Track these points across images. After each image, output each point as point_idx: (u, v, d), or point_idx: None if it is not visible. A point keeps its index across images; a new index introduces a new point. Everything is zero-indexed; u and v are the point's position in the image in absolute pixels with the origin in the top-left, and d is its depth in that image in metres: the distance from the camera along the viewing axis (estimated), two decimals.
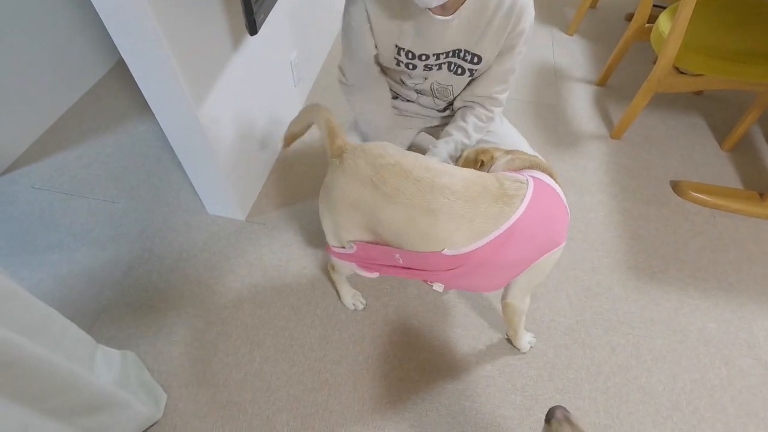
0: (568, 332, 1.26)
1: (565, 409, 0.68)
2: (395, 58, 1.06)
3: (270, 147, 1.62)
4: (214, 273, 1.37)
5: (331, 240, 1.02)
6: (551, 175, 0.94)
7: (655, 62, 1.57)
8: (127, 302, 1.30)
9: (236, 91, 1.27)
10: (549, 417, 0.68)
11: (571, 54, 2.20)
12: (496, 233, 0.82)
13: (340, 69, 1.17)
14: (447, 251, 0.83)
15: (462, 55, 1.04)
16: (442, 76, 1.11)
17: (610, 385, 1.17)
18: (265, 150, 1.58)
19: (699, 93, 1.97)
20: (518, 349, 1.21)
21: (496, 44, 1.01)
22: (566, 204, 0.92)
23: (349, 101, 1.22)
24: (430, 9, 0.91)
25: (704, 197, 1.56)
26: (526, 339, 1.20)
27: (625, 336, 1.26)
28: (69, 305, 1.28)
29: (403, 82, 1.18)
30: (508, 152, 1.01)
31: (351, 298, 1.28)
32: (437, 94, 1.19)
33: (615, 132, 1.78)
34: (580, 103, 1.95)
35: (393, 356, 1.20)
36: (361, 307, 1.29)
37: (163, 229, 1.46)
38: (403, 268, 0.93)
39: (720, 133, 1.82)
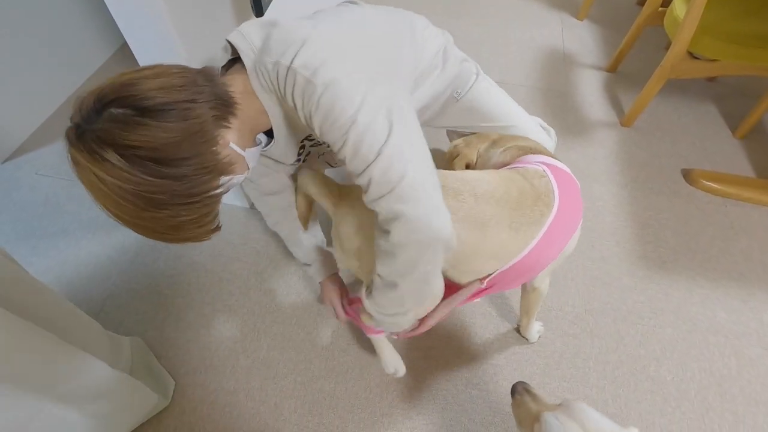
0: (576, 321, 1.25)
1: (525, 383, 0.75)
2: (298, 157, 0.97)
3: None
4: (220, 260, 1.36)
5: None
6: (544, 153, 0.92)
7: (667, 48, 1.53)
8: (134, 289, 1.30)
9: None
10: (513, 392, 0.76)
11: (580, 39, 2.15)
12: (540, 235, 0.80)
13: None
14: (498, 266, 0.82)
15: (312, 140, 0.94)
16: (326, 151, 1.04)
17: (618, 374, 1.17)
18: None
19: (712, 79, 1.93)
20: (527, 339, 1.21)
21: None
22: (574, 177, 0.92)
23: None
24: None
25: (716, 186, 1.54)
26: (535, 328, 1.19)
27: (633, 325, 1.25)
28: (76, 291, 1.28)
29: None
30: (495, 142, 0.96)
31: (393, 360, 1.10)
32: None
33: (626, 120, 1.75)
34: (590, 90, 1.91)
35: (400, 345, 1.20)
36: (401, 374, 1.09)
37: None
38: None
39: (733, 121, 1.78)
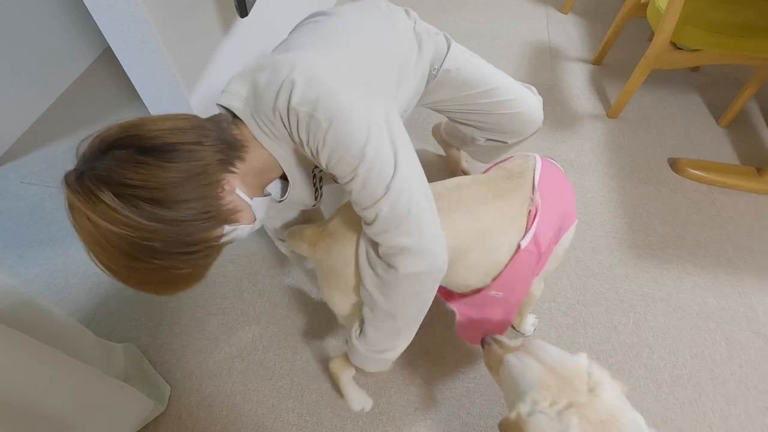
0: (569, 312, 1.27)
1: (492, 335, 0.83)
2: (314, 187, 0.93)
3: None
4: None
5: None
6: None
7: (651, 39, 1.55)
8: (125, 295, 1.29)
9: (224, 77, 1.24)
10: (482, 343, 0.84)
11: (566, 33, 2.17)
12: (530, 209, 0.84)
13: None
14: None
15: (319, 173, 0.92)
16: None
17: (612, 362, 1.18)
18: None
19: (696, 69, 1.96)
20: (522, 333, 1.22)
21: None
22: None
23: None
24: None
25: (702, 174, 1.56)
26: (530, 322, 1.20)
27: (626, 314, 1.27)
28: (66, 300, 1.26)
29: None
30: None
31: (359, 397, 1.04)
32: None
33: (612, 111, 1.76)
34: (576, 83, 1.93)
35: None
36: (368, 408, 1.03)
37: None
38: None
39: (717, 110, 1.81)
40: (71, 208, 0.55)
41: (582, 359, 0.67)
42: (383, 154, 0.66)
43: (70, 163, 0.58)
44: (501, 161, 0.96)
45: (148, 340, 1.20)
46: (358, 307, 0.82)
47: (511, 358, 0.71)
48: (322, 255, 0.82)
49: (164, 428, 1.07)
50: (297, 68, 0.66)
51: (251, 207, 0.70)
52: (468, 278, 0.88)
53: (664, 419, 1.10)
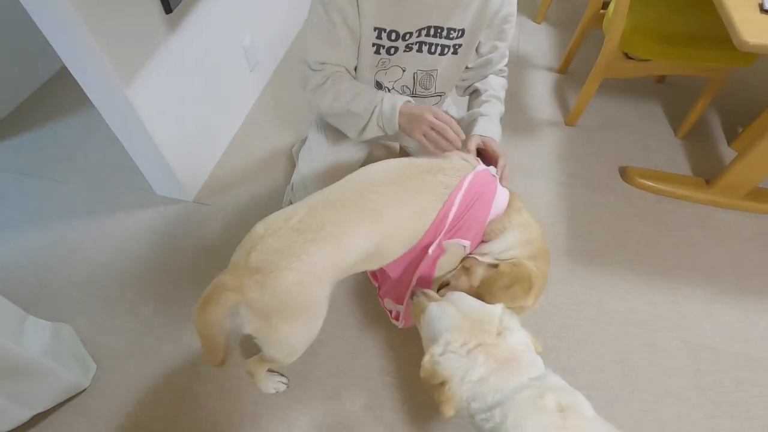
0: None
1: (419, 288, 0.90)
2: (375, 44, 0.96)
3: (222, 127, 1.65)
4: (157, 252, 1.40)
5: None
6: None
7: None
8: (71, 278, 1.34)
9: (175, 72, 1.30)
10: (411, 295, 0.91)
11: (536, 42, 2.19)
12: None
13: (308, 64, 0.98)
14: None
15: (443, 32, 0.96)
16: (423, 60, 1.01)
17: None
18: (215, 131, 1.61)
19: (661, 80, 1.96)
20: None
21: (480, 19, 0.96)
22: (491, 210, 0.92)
23: (320, 104, 1.01)
24: None
25: (650, 183, 1.56)
26: None
27: (551, 317, 1.27)
28: (12, 279, 1.32)
29: (379, 85, 1.08)
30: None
31: (272, 382, 1.12)
32: (420, 85, 1.09)
33: (569, 119, 1.78)
34: (539, 90, 1.94)
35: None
36: (283, 388, 1.12)
37: (112, 208, 1.50)
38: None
39: (676, 121, 1.81)
40: None
41: (497, 308, 0.76)
42: None
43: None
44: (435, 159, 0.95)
45: (84, 322, 1.25)
46: (301, 339, 0.86)
47: (433, 306, 0.79)
48: (254, 294, 0.73)
49: (86, 405, 1.11)
50: None
51: None
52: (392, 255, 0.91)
53: None
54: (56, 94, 1.88)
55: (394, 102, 0.93)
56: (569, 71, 2.02)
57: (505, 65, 1.16)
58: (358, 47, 0.98)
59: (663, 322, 1.27)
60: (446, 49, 1.00)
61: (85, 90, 1.15)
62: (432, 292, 0.87)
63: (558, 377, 0.74)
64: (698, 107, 1.63)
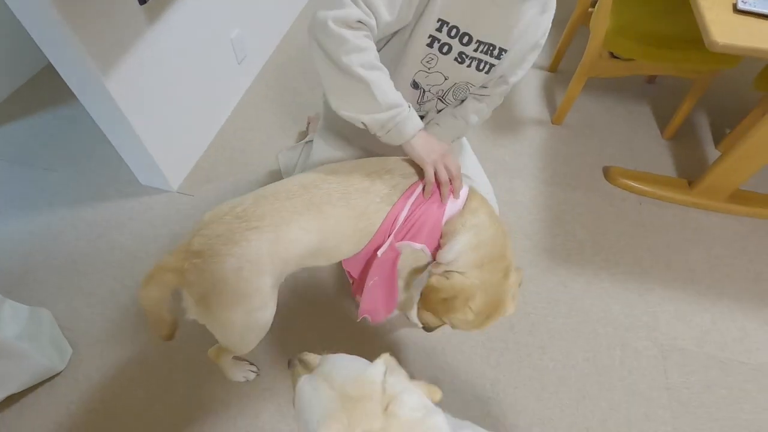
0: None
1: (302, 354, 0.72)
2: (431, 36, 0.87)
3: (209, 119, 1.66)
4: (139, 241, 1.42)
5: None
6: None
7: None
8: (53, 265, 1.36)
9: (157, 63, 1.31)
10: (289, 365, 0.73)
11: None
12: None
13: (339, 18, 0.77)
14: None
15: (495, 51, 0.91)
16: (469, 74, 0.95)
17: (501, 360, 1.20)
18: (201, 122, 1.62)
19: (651, 81, 1.95)
20: (415, 324, 1.24)
21: (524, 38, 0.90)
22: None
23: (332, 44, 0.78)
24: None
25: (633, 183, 1.56)
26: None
27: (525, 315, 1.28)
28: None
29: (416, 84, 0.99)
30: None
31: (240, 370, 1.14)
32: (453, 96, 1.03)
33: (555, 117, 1.77)
34: (528, 89, 1.94)
35: (296, 319, 1.24)
36: (252, 376, 1.15)
37: (96, 197, 1.52)
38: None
39: (664, 122, 1.80)
40: None
41: (376, 370, 0.60)
42: None
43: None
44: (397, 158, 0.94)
45: (63, 307, 1.27)
46: (245, 328, 0.84)
47: (304, 385, 0.62)
48: (192, 277, 0.75)
49: (60, 389, 1.14)
50: None
51: None
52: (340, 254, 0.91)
53: (542, 419, 1.11)
54: (47, 84, 1.90)
55: (417, 120, 0.86)
56: (559, 69, 2.01)
57: (502, 91, 1.04)
58: (409, 36, 0.89)
59: (635, 323, 1.27)
60: (492, 69, 0.95)
61: (64, 79, 1.17)
62: (310, 358, 0.70)
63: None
64: (684, 108, 1.62)
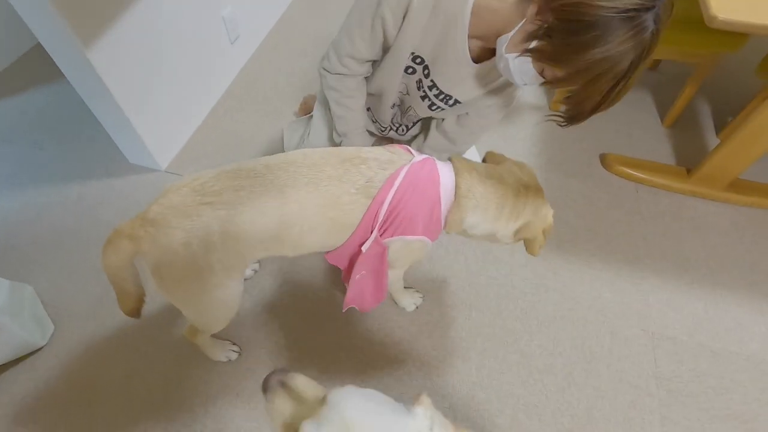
0: (458, 293, 1.27)
1: (282, 372, 0.52)
2: (408, 67, 0.94)
3: (199, 98, 1.64)
4: (124, 218, 1.39)
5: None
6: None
7: None
8: (37, 242, 1.35)
9: (143, 37, 1.28)
10: (265, 388, 0.51)
11: None
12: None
13: (336, 51, 0.94)
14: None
15: (448, 101, 1.00)
16: (419, 106, 1.05)
17: (487, 346, 1.18)
18: (191, 101, 1.60)
19: (654, 67, 1.90)
20: (404, 308, 1.23)
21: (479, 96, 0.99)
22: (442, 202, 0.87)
23: (333, 89, 1.01)
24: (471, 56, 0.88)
25: (630, 171, 1.53)
26: (408, 299, 1.21)
27: (514, 301, 1.26)
28: None
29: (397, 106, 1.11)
30: None
31: (221, 350, 1.13)
32: (403, 113, 1.14)
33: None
34: None
35: (281, 301, 1.23)
36: (235, 356, 1.13)
37: (84, 175, 1.50)
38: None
39: (665, 109, 1.75)
40: None
41: (418, 425, 0.45)
42: None
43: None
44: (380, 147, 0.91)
45: (46, 284, 1.26)
46: (203, 304, 0.82)
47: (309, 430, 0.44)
48: (145, 246, 0.74)
49: (40, 364, 1.13)
50: None
51: None
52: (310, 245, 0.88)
53: (527, 404, 1.10)
54: (37, 62, 1.87)
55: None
56: None
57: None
58: (389, 67, 0.96)
59: (626, 311, 1.25)
60: (440, 110, 1.04)
61: (47, 49, 1.14)
62: (301, 388, 0.51)
63: None
64: (685, 94, 1.58)
